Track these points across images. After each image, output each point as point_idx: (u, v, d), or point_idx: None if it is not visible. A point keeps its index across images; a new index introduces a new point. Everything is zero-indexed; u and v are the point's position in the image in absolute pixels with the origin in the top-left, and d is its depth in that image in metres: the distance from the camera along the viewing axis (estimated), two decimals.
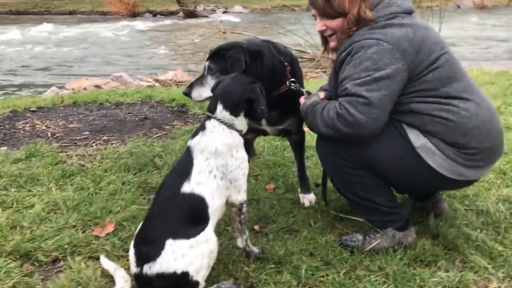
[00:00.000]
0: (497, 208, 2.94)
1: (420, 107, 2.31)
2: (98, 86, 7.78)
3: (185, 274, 2.00)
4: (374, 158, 2.39)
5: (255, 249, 2.46)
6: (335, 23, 2.44)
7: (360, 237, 2.55)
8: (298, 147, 3.08)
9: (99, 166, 3.61)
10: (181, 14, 27.27)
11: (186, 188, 2.12)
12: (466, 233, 2.65)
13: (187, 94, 2.72)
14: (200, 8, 27.98)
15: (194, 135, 2.25)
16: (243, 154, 2.29)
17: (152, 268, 2.00)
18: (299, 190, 3.13)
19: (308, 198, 3.06)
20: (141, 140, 4.20)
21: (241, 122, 2.27)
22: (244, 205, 2.33)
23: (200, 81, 2.71)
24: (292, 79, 2.72)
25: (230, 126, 2.23)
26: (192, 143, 2.22)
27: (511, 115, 4.87)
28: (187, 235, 2.04)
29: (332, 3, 2.38)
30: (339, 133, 2.31)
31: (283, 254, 2.44)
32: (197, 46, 12.94)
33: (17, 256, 2.45)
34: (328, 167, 2.65)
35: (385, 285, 2.22)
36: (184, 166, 2.20)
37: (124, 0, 29.64)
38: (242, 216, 2.34)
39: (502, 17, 21.73)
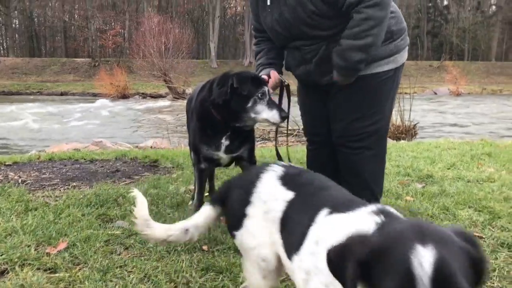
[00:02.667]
0: None
1: None
2: (77, 150, 7.99)
3: None
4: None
5: None
6: None
7: None
8: None
9: (63, 203, 3.72)
10: (170, 96, 28.25)
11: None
12: None
13: (287, 116, 2.87)
14: (188, 90, 29.02)
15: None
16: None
17: None
18: None
19: None
20: (108, 185, 4.34)
21: None
22: None
23: (278, 103, 2.92)
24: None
25: None
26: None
27: (464, 169, 5.16)
28: None
29: None
30: (376, 23, 2.53)
31: (225, 265, 2.54)
32: (182, 121, 13.29)
33: None
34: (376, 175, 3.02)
35: None
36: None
37: (115, 83, 30.86)
38: None
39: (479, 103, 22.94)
